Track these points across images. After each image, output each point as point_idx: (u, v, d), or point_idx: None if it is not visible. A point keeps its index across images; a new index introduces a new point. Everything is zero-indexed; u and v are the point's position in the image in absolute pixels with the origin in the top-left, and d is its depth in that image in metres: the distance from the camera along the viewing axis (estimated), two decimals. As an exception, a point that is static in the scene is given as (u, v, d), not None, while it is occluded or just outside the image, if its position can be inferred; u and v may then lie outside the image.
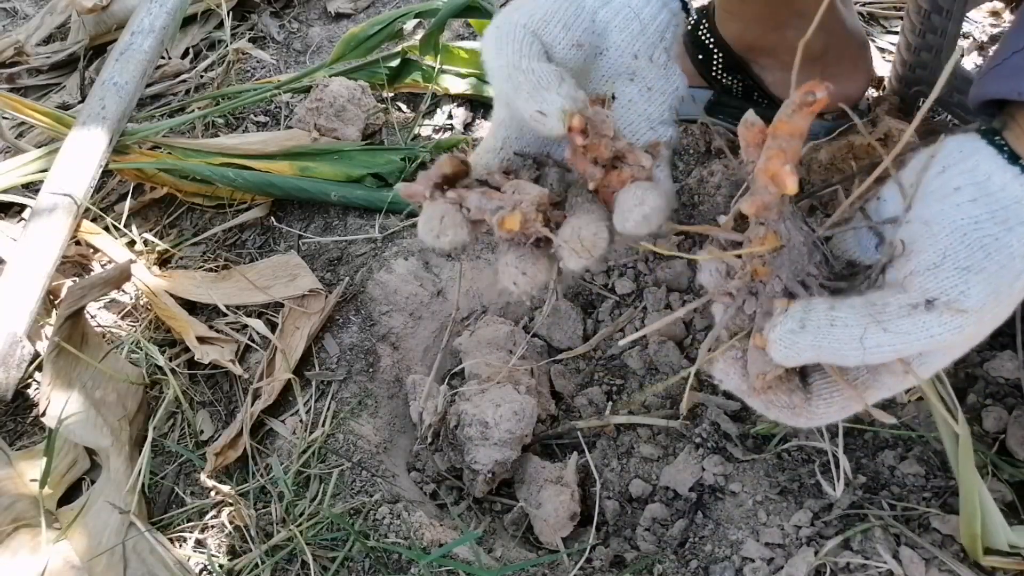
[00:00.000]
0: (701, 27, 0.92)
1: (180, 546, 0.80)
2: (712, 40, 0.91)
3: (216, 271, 1.06)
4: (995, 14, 1.20)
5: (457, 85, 1.22)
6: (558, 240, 0.48)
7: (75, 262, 1.11)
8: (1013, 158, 0.46)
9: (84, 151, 1.06)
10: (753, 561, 0.69)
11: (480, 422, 0.81)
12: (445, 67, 1.23)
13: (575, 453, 0.83)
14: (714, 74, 0.93)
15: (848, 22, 0.88)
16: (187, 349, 0.96)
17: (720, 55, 0.91)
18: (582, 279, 0.99)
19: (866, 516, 0.70)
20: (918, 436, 0.74)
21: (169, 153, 1.16)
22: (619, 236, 0.51)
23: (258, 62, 1.44)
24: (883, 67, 1.09)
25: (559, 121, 0.47)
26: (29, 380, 0.99)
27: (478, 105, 1.23)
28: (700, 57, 0.93)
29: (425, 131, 1.20)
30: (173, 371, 0.94)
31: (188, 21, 1.55)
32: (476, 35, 1.34)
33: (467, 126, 1.21)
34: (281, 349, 0.92)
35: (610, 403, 0.88)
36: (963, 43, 1.15)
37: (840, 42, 0.87)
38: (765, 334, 0.48)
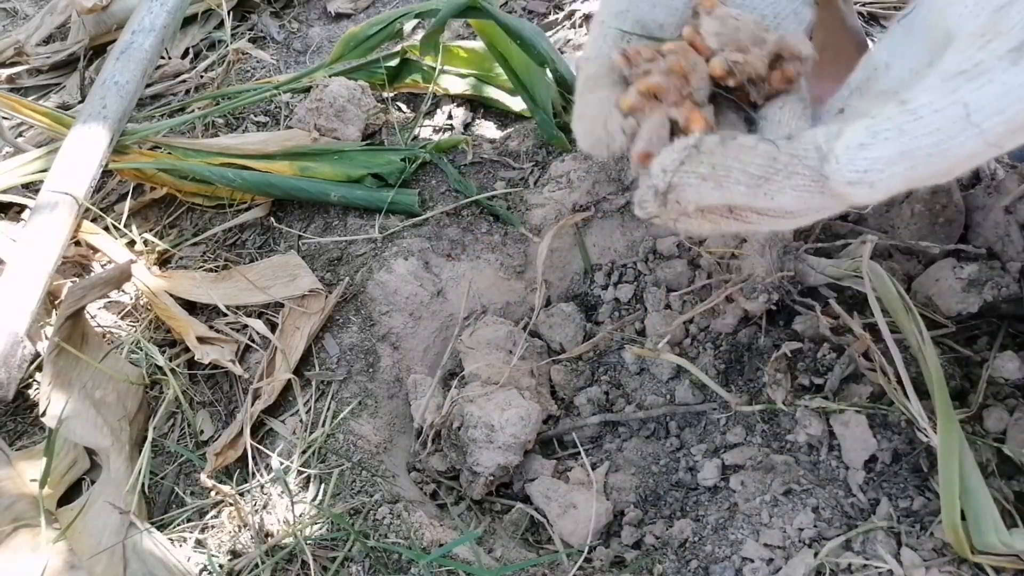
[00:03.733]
0: None
1: (180, 546, 0.80)
2: None
3: (216, 271, 1.06)
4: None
5: (457, 85, 1.22)
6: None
7: (75, 262, 1.11)
8: None
9: (84, 151, 1.06)
10: (753, 561, 0.69)
11: (486, 424, 0.81)
12: (445, 67, 1.23)
13: (586, 455, 0.83)
14: None
15: (848, 20, 0.87)
16: (187, 349, 0.96)
17: None
18: (581, 281, 0.99)
19: (867, 516, 0.70)
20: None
21: (169, 153, 1.16)
22: None
23: (258, 62, 1.44)
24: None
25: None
26: (29, 380, 0.98)
27: (478, 105, 1.23)
28: None
29: (425, 131, 1.20)
30: (173, 371, 0.94)
31: (188, 21, 1.54)
32: (476, 35, 1.34)
33: (467, 126, 1.21)
34: (281, 349, 0.92)
35: (610, 403, 0.88)
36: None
37: (838, 40, 0.87)
38: None
